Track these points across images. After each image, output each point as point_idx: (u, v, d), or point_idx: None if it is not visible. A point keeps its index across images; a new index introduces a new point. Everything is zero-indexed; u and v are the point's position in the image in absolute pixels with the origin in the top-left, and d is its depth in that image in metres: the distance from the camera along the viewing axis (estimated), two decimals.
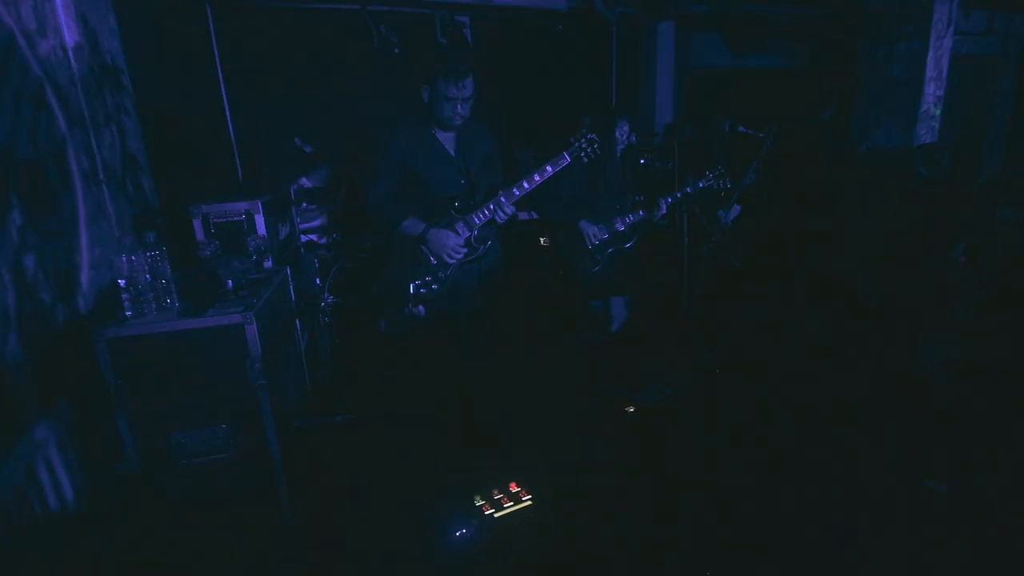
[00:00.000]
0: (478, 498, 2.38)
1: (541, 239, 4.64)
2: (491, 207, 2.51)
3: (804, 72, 6.57)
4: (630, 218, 3.20)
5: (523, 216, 4.13)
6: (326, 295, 3.45)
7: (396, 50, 4.67)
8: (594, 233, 3.17)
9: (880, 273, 4.22)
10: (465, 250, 2.54)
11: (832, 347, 3.64)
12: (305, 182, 4.14)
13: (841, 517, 2.23)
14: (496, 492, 2.41)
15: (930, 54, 4.15)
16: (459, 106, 2.41)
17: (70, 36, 2.21)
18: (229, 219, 2.48)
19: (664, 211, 3.14)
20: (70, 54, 2.20)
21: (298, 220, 3.26)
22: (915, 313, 3.50)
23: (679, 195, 3.12)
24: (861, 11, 4.46)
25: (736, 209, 4.11)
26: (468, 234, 2.54)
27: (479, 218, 2.53)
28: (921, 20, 4.12)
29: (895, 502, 2.31)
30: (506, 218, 2.55)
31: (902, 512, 2.26)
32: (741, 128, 4.32)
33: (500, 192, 2.51)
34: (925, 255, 3.70)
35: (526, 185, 2.51)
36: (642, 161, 3.87)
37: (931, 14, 4.08)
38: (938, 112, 4.36)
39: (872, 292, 4.26)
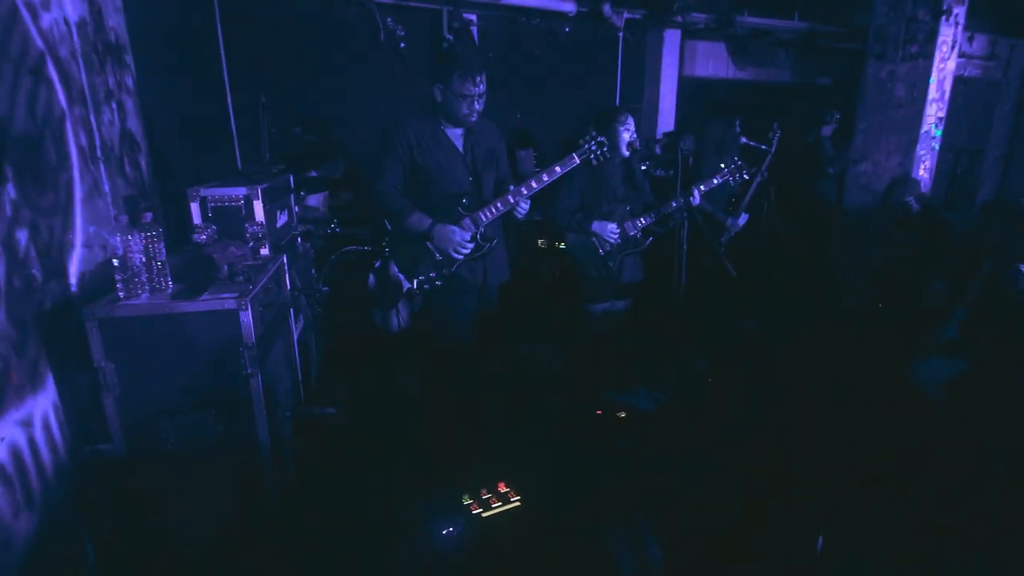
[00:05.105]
0: (466, 497, 2.37)
1: (539, 241, 4.63)
2: (499, 205, 2.52)
3: (807, 87, 6.63)
4: (642, 221, 3.16)
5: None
6: (321, 285, 3.43)
7: (402, 44, 4.66)
8: (612, 230, 3.11)
9: (866, 294, 4.27)
10: (472, 246, 2.53)
11: (823, 360, 3.65)
12: (312, 172, 4.11)
13: (836, 527, 2.23)
14: (485, 492, 2.39)
15: (933, 75, 4.17)
16: (475, 102, 2.42)
17: (74, 11, 2.17)
18: (227, 204, 2.45)
19: (677, 209, 3.07)
20: (73, 29, 2.16)
21: (296, 209, 3.23)
22: (902, 334, 3.52)
23: (696, 193, 3.07)
24: (867, 29, 4.48)
25: (744, 217, 4.10)
26: (474, 231, 2.54)
27: (486, 216, 2.53)
28: (926, 41, 4.15)
29: (892, 504, 2.32)
30: (525, 212, 2.56)
31: (900, 513, 2.27)
32: (744, 140, 4.32)
33: (510, 190, 2.52)
34: (909, 281, 3.77)
35: (534, 184, 2.52)
36: (643, 168, 3.85)
37: (936, 35, 4.11)
38: (938, 133, 4.39)
39: (858, 312, 4.29)
